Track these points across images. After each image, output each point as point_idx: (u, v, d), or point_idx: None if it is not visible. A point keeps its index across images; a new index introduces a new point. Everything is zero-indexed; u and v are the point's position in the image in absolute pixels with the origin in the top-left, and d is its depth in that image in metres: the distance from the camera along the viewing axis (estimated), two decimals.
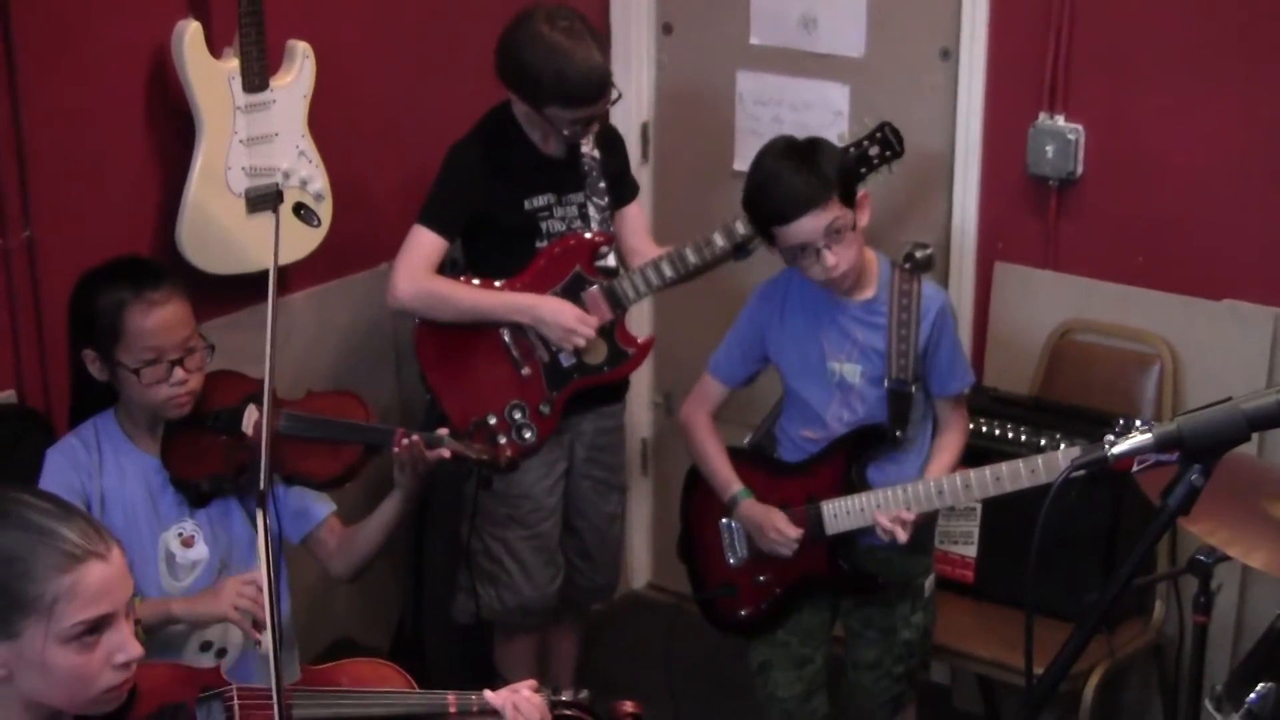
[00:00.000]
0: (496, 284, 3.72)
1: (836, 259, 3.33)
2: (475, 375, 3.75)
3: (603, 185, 3.81)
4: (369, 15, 4.02)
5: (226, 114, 3.53)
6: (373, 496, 3.37)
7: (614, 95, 3.65)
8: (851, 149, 3.68)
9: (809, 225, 3.31)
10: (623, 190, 3.90)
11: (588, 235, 3.76)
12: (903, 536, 3.38)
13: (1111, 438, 2.03)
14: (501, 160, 3.70)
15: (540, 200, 3.73)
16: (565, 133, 3.63)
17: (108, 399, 3.20)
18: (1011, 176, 4.03)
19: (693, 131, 4.57)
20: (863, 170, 3.69)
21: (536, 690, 2.79)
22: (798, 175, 3.31)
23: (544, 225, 3.74)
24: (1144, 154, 3.87)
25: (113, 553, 2.21)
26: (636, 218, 3.95)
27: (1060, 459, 3.28)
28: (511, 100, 3.69)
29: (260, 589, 2.90)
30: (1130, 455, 1.92)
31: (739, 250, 3.73)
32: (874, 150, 3.68)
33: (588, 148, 3.79)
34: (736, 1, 4.38)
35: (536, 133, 3.72)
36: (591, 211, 3.78)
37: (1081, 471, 2.04)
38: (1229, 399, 1.91)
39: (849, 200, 3.36)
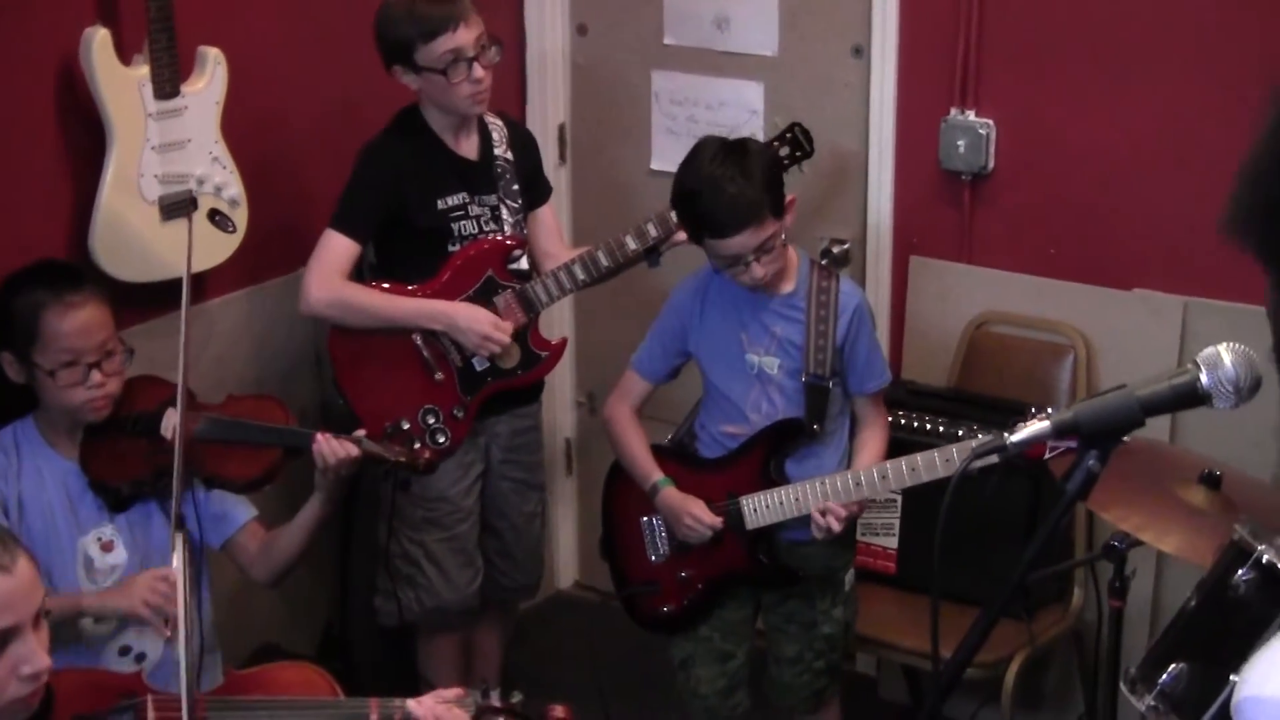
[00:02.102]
0: (409, 289, 3.71)
1: (765, 270, 3.38)
2: (388, 380, 3.74)
3: (516, 188, 3.81)
4: (281, 21, 4.00)
5: (138, 121, 3.50)
6: (297, 502, 3.36)
7: (486, 38, 3.61)
8: None
9: (742, 242, 3.34)
10: (536, 192, 3.91)
11: (500, 239, 3.76)
12: (836, 527, 3.39)
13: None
14: (414, 159, 3.70)
15: (453, 200, 3.72)
16: (454, 83, 3.57)
17: (28, 404, 3.19)
18: (925, 171, 4.07)
19: (609, 132, 4.59)
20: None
21: (465, 696, 2.78)
22: (733, 188, 3.31)
23: (456, 226, 3.73)
24: (1054, 147, 3.92)
25: (18, 564, 2.20)
26: (549, 220, 3.95)
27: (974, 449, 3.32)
28: (411, 90, 3.67)
29: (173, 585, 2.90)
30: (1029, 443, 1.95)
31: (650, 254, 3.75)
32: (784, 151, 3.72)
33: (501, 149, 3.79)
34: (650, 2, 4.40)
35: (449, 131, 3.72)
36: (504, 214, 3.78)
37: (986, 460, 2.07)
38: (1123, 386, 1.95)
39: (779, 211, 3.38)
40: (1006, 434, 1.99)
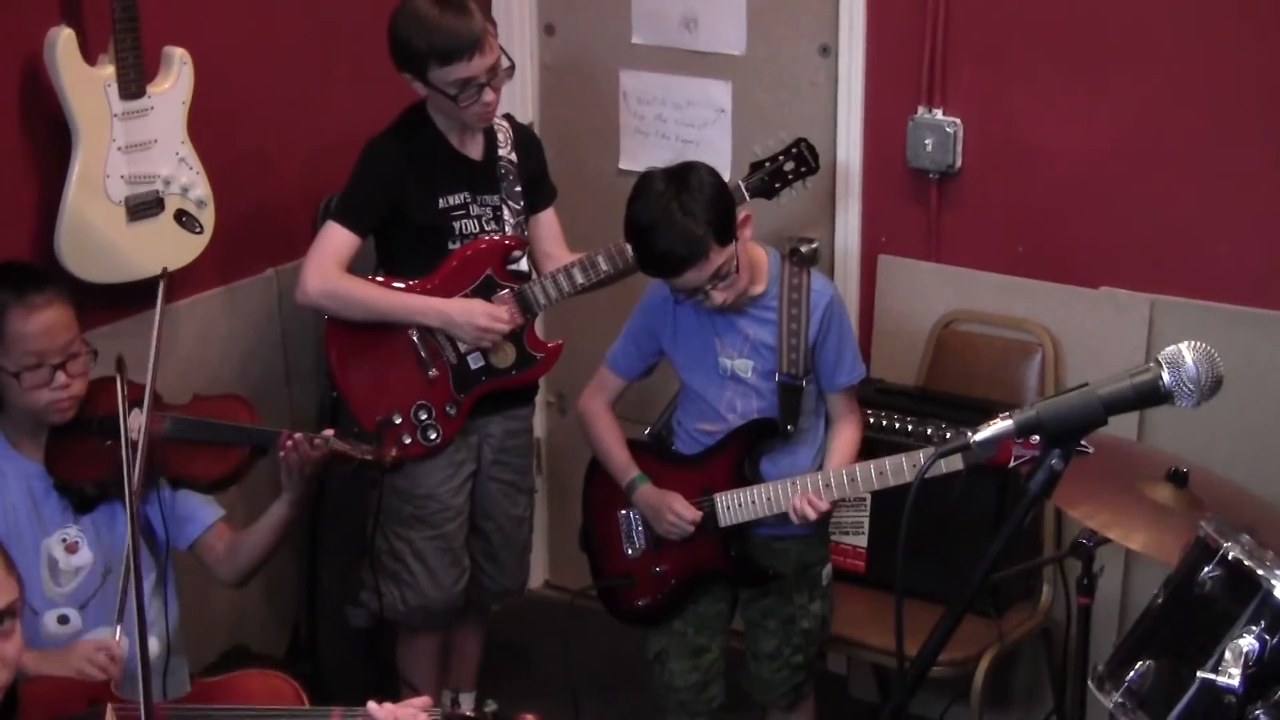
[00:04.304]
0: (407, 284, 3.71)
1: (724, 296, 3.39)
2: (382, 374, 3.73)
3: (518, 189, 3.80)
4: (248, 21, 3.99)
5: (103, 121, 3.49)
6: (265, 502, 3.35)
7: (502, 63, 3.62)
8: (767, 164, 3.73)
9: (692, 278, 3.35)
10: (539, 195, 3.90)
11: (500, 239, 3.75)
12: (812, 515, 3.38)
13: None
14: (418, 156, 3.69)
15: (455, 199, 3.72)
16: (453, 98, 3.58)
17: None
18: (893, 170, 4.08)
19: (578, 131, 4.58)
20: (777, 185, 3.73)
21: (432, 705, 2.77)
22: (674, 230, 3.29)
23: (457, 225, 3.72)
24: (1021, 146, 3.93)
25: None
26: (551, 223, 3.94)
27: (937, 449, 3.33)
28: (417, 92, 3.66)
29: (113, 657, 2.89)
30: (992, 441, 1.96)
31: None
32: (789, 166, 3.74)
33: (505, 150, 3.79)
34: (618, 2, 4.40)
35: (454, 132, 3.71)
36: (506, 214, 3.78)
37: (951, 467, 2.07)
38: (1085, 384, 1.95)
39: (728, 237, 3.36)
40: (970, 432, 2.00)
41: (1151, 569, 3.75)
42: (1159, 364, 1.97)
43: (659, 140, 4.38)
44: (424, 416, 3.73)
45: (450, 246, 3.71)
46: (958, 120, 3.96)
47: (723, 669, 3.70)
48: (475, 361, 3.74)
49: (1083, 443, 2.10)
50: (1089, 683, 2.61)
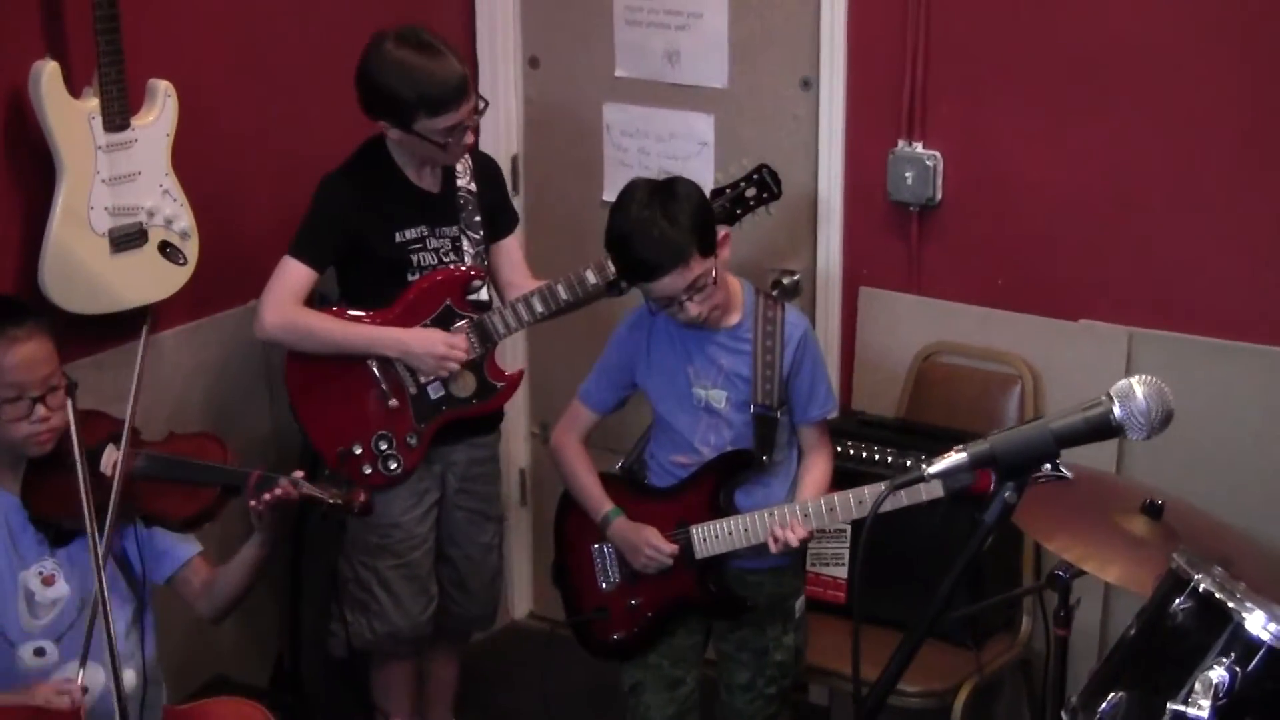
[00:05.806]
0: (366, 315, 3.72)
1: (699, 309, 3.39)
2: (342, 406, 3.75)
3: (478, 219, 3.82)
4: (232, 54, 4.01)
5: (87, 154, 3.51)
6: (238, 538, 3.35)
7: (479, 103, 3.65)
8: (728, 190, 3.72)
9: (670, 284, 3.35)
10: (501, 222, 3.91)
11: (459, 269, 3.77)
12: (794, 541, 3.39)
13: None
14: (374, 191, 3.71)
15: (412, 232, 3.73)
16: (441, 145, 3.60)
17: None
18: (873, 203, 4.10)
19: (561, 163, 4.61)
20: (739, 211, 3.72)
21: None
22: (657, 232, 3.31)
23: (415, 258, 3.74)
24: (1000, 179, 3.95)
25: None
26: (514, 251, 3.95)
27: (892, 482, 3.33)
28: (385, 133, 3.68)
29: (73, 699, 2.89)
30: (946, 474, 1.97)
31: (612, 286, 3.76)
32: (750, 192, 3.72)
33: (464, 180, 3.80)
34: (602, 35, 4.43)
35: (411, 166, 3.73)
36: (465, 245, 3.79)
37: (931, 494, 2.08)
38: (1039, 418, 1.97)
39: (709, 249, 3.38)
40: (925, 465, 2.01)
41: (1130, 600, 3.72)
42: (1110, 397, 1.99)
43: (642, 173, 4.33)
44: (384, 447, 3.74)
45: (410, 278, 3.73)
46: (938, 153, 3.98)
47: (698, 701, 3.70)
48: (435, 391, 3.75)
49: (1061, 469, 2.11)
50: (1062, 714, 2.61)
